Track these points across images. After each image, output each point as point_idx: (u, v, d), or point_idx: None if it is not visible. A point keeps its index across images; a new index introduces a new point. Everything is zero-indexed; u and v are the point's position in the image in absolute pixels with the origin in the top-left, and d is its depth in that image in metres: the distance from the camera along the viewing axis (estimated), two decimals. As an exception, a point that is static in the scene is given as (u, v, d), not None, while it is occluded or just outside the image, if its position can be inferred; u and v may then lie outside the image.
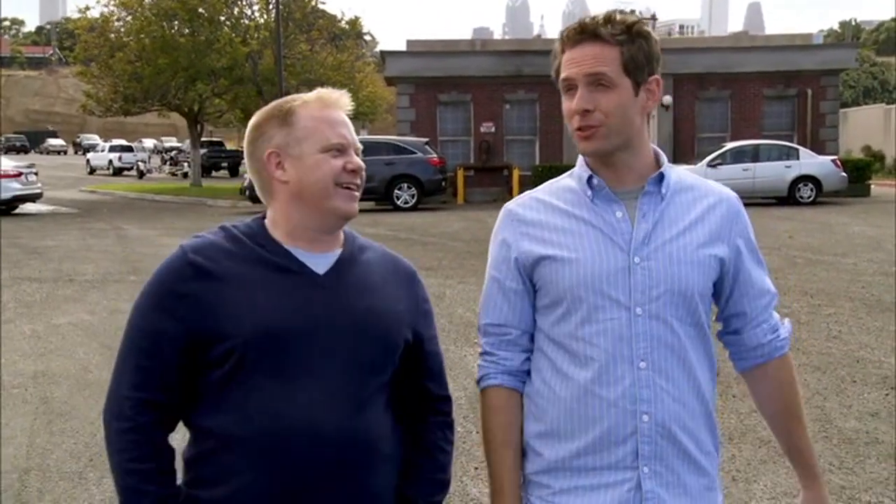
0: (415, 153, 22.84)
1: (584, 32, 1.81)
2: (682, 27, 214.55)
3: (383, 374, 1.85)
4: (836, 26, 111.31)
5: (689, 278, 1.81)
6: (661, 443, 1.80)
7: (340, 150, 1.82)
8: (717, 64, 27.92)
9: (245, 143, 1.92)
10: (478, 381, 1.97)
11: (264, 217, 1.90)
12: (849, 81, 58.23)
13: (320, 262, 1.83)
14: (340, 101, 1.87)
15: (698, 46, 30.39)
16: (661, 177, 1.86)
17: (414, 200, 22.63)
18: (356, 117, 52.89)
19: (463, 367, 6.84)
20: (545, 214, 1.89)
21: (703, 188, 1.91)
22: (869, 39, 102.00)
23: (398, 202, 22.52)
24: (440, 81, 27.20)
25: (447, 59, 27.52)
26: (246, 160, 1.91)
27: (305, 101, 1.85)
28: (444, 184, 23.40)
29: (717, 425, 1.91)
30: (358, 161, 1.84)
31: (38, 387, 6.64)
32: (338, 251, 1.87)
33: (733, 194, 1.95)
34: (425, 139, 24.35)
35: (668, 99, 27.10)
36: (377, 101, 48.59)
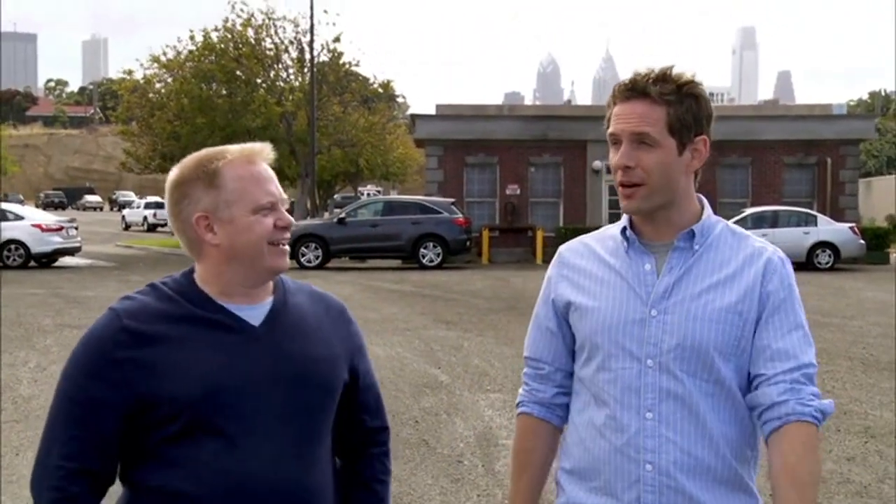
0: (441, 213, 23.51)
1: (633, 90, 1.82)
2: (712, 95, 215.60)
3: (325, 419, 1.87)
4: (865, 96, 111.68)
5: (704, 334, 1.79)
6: (666, 493, 1.80)
7: (271, 207, 1.80)
8: (739, 131, 28.51)
9: (167, 202, 1.86)
10: (517, 406, 2.05)
11: (192, 271, 1.87)
12: (872, 151, 58.60)
13: (254, 313, 1.83)
14: (263, 152, 1.84)
15: (720, 115, 30.94)
16: (692, 233, 1.85)
17: (439, 259, 23.22)
18: (387, 178, 53.39)
19: (475, 411, 7.36)
20: (586, 260, 1.94)
21: (744, 244, 1.88)
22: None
23: (424, 260, 23.12)
24: (468, 144, 28.01)
25: (475, 122, 28.37)
26: (169, 218, 1.87)
27: (229, 159, 1.80)
28: (468, 243, 24.02)
29: (750, 486, 1.86)
30: (287, 217, 1.83)
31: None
32: (269, 300, 1.86)
33: (777, 253, 1.89)
34: (452, 199, 25.05)
35: (690, 165, 27.68)
36: (407, 161, 49.62)
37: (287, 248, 1.86)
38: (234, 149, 1.83)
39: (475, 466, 5.80)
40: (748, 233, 1.94)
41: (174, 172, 1.85)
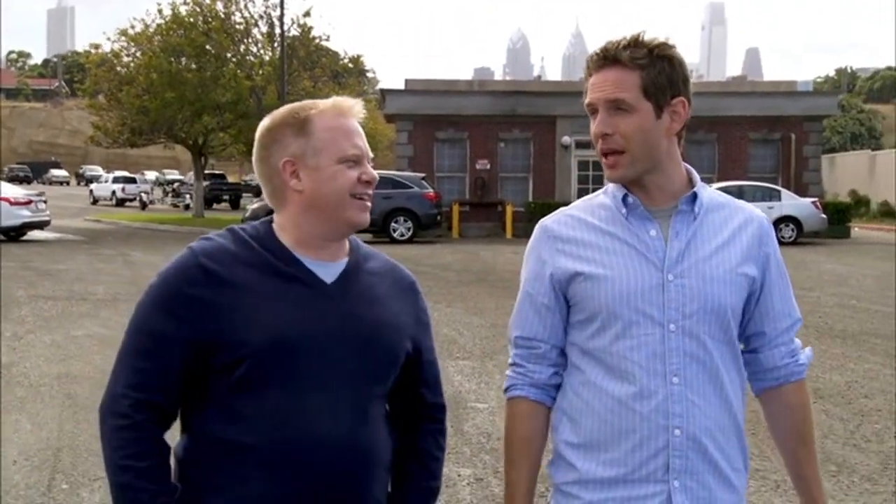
0: (412, 188, 23.72)
1: (605, 57, 1.82)
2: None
3: (386, 384, 1.88)
4: (832, 73, 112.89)
5: (723, 296, 1.83)
6: (692, 457, 1.81)
7: (356, 161, 1.82)
8: (705, 108, 28.89)
9: (256, 147, 1.88)
10: (505, 390, 1.99)
11: (271, 221, 1.88)
12: (836, 127, 59.54)
13: (328, 271, 1.83)
14: (354, 108, 1.86)
15: (688, 90, 31.41)
16: (695, 196, 1.87)
17: (410, 233, 23.46)
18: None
19: (444, 376, 7.51)
20: (580, 231, 1.91)
21: (734, 207, 1.93)
22: (864, 87, 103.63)
23: (395, 234, 23.36)
24: (438, 119, 28.18)
25: (445, 97, 28.54)
26: (256, 164, 1.89)
27: (321, 109, 1.83)
28: (439, 218, 24.27)
29: (746, 443, 1.91)
30: (372, 172, 1.85)
31: (62, 385, 7.42)
32: (344, 260, 1.87)
33: (763, 215, 1.95)
34: (422, 174, 25.27)
35: (657, 140, 28.10)
36: (378, 137, 49.62)
37: (369, 203, 1.86)
38: (327, 101, 1.86)
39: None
40: (728, 196, 1.98)
41: (266, 120, 1.88)
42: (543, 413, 1.95)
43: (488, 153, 28.38)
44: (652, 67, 1.80)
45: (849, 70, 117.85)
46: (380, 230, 23.47)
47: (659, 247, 1.85)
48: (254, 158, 1.89)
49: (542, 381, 1.95)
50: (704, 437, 1.82)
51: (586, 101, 1.86)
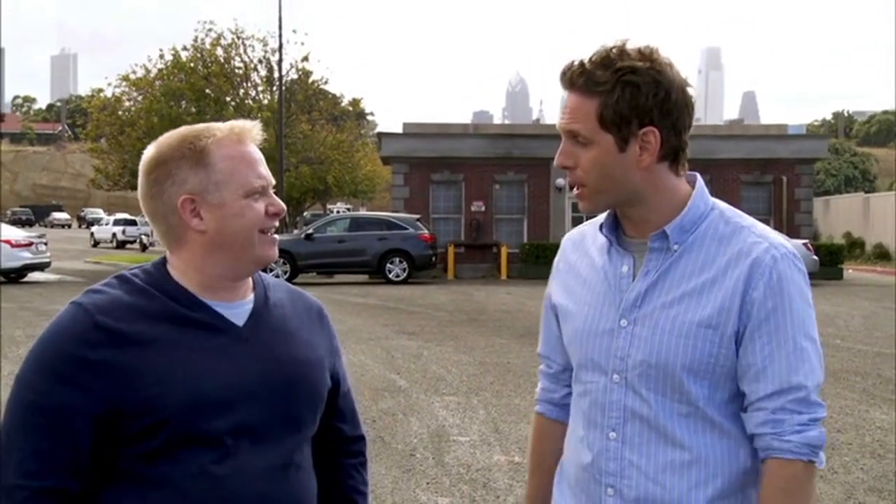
0: (407, 229, 23.98)
1: (562, 79, 1.65)
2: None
3: (312, 427, 1.75)
4: (829, 117, 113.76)
5: (671, 352, 1.59)
6: None
7: (262, 192, 1.65)
8: (698, 150, 29.25)
9: (144, 182, 1.66)
10: (535, 403, 1.97)
11: (164, 262, 1.69)
12: (830, 170, 60.08)
13: (237, 312, 1.67)
14: (253, 132, 1.68)
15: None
16: (664, 234, 1.64)
17: (405, 274, 23.66)
18: (356, 195, 53.30)
19: (430, 412, 7.82)
20: (578, 254, 1.80)
21: (735, 240, 1.63)
22: (861, 130, 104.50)
23: (390, 275, 23.55)
24: (434, 162, 28.54)
25: (441, 140, 28.93)
26: (144, 201, 1.67)
27: (218, 137, 1.64)
28: (434, 259, 24.50)
29: None
30: (279, 203, 1.69)
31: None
32: (251, 297, 1.71)
33: (774, 250, 1.60)
34: (417, 216, 25.55)
35: (650, 183, 28.49)
36: (376, 179, 50.07)
37: (276, 237, 1.71)
38: (222, 126, 1.67)
39: (426, 459, 6.27)
40: (749, 222, 1.66)
41: (153, 150, 1.66)
42: (559, 431, 1.87)
43: (483, 195, 28.70)
44: (611, 95, 1.58)
45: (845, 114, 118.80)
46: (375, 271, 23.71)
47: (626, 286, 1.67)
48: (140, 194, 1.68)
49: (557, 400, 1.89)
50: (646, 501, 1.62)
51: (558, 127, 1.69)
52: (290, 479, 1.65)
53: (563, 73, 1.64)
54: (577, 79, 1.61)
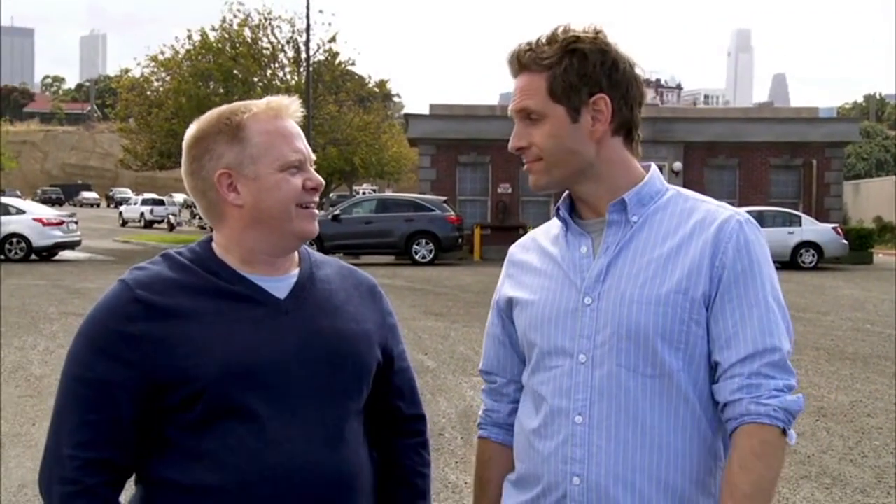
0: (433, 210, 24.02)
1: (512, 63, 1.66)
2: (707, 97, 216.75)
3: (358, 400, 1.72)
4: (860, 99, 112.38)
5: (643, 319, 1.55)
6: None
7: (299, 166, 1.65)
8: (727, 133, 29.10)
9: (185, 159, 1.69)
10: (477, 427, 1.89)
11: (210, 240, 1.71)
12: (862, 154, 59.36)
13: (280, 286, 1.67)
14: (291, 108, 1.68)
15: (708, 116, 31.78)
16: (623, 202, 1.63)
17: (431, 255, 23.71)
18: (382, 176, 53.43)
19: (458, 392, 7.88)
20: (530, 254, 1.77)
21: (697, 209, 1.63)
22: (894, 114, 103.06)
23: (416, 257, 23.61)
24: (460, 143, 28.52)
25: (467, 122, 28.89)
26: (186, 178, 1.69)
27: (255, 112, 1.65)
28: (460, 240, 24.53)
29: (701, 491, 1.58)
30: (318, 177, 1.68)
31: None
32: (295, 272, 1.71)
33: (738, 215, 1.61)
34: (444, 197, 25.58)
35: (678, 165, 28.30)
36: (402, 160, 50.13)
37: (316, 211, 1.70)
38: (259, 102, 1.68)
39: (454, 438, 6.32)
40: (708, 198, 1.67)
41: (193, 127, 1.69)
42: (505, 456, 1.78)
43: (510, 177, 28.66)
44: (559, 66, 1.59)
45: (878, 97, 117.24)
46: (402, 252, 23.78)
47: (586, 265, 1.64)
48: (183, 171, 1.70)
49: (502, 420, 1.80)
50: (615, 487, 1.56)
51: (510, 111, 1.69)
52: (334, 453, 1.63)
53: (512, 57, 1.65)
54: (525, 57, 1.63)
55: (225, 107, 1.69)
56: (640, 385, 1.57)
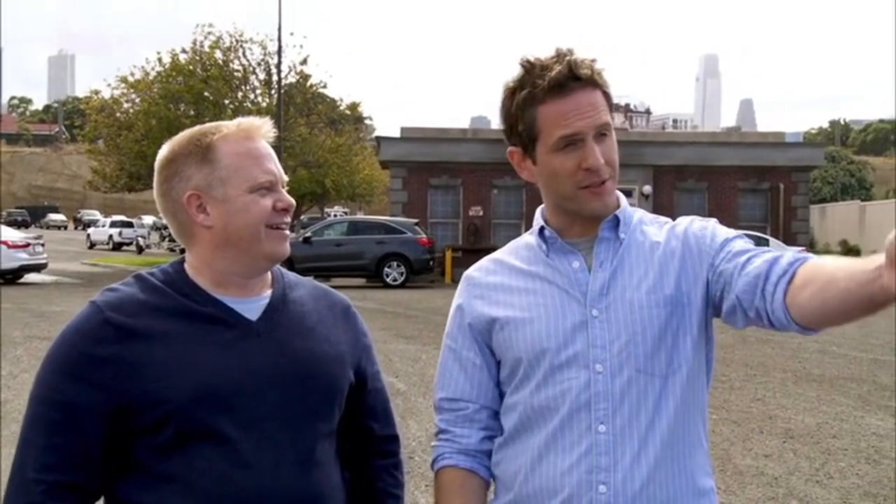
0: (405, 233, 24.01)
1: (569, 77, 1.62)
2: (675, 121, 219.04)
3: (330, 421, 1.72)
4: (826, 125, 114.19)
5: (658, 322, 1.63)
6: None
7: (269, 188, 1.65)
8: (696, 157, 29.43)
9: (156, 181, 1.69)
10: (432, 463, 1.81)
11: (182, 261, 1.72)
12: (827, 178, 60.27)
13: (252, 307, 1.67)
14: (263, 129, 1.68)
15: (677, 140, 32.12)
16: (617, 220, 1.70)
17: (403, 278, 23.68)
18: (354, 199, 53.46)
19: (428, 415, 7.85)
20: (501, 276, 1.76)
21: (663, 222, 1.77)
22: (858, 139, 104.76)
23: (387, 279, 23.57)
24: (432, 166, 28.59)
25: (439, 145, 28.97)
26: (157, 199, 1.70)
27: (225, 133, 1.66)
28: (431, 263, 24.52)
29: (704, 482, 1.68)
30: (288, 198, 1.68)
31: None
32: (268, 293, 1.71)
33: (693, 217, 1.75)
34: (415, 220, 25.58)
35: (647, 189, 28.55)
36: (374, 182, 50.12)
37: (287, 232, 1.70)
38: (230, 123, 1.68)
39: (424, 461, 6.28)
40: (657, 216, 1.80)
41: (165, 148, 1.70)
42: (477, 483, 1.75)
43: (481, 200, 28.75)
44: (607, 84, 1.69)
45: (842, 122, 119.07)
46: (373, 275, 23.73)
47: (583, 280, 1.68)
48: (154, 192, 1.71)
49: (472, 448, 1.75)
50: (646, 490, 1.61)
51: (566, 132, 1.62)
52: (304, 475, 1.63)
53: (572, 69, 1.62)
54: (585, 72, 1.63)
55: (196, 128, 1.69)
56: (660, 386, 1.63)
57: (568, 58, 1.63)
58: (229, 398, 1.58)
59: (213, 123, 1.70)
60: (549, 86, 1.61)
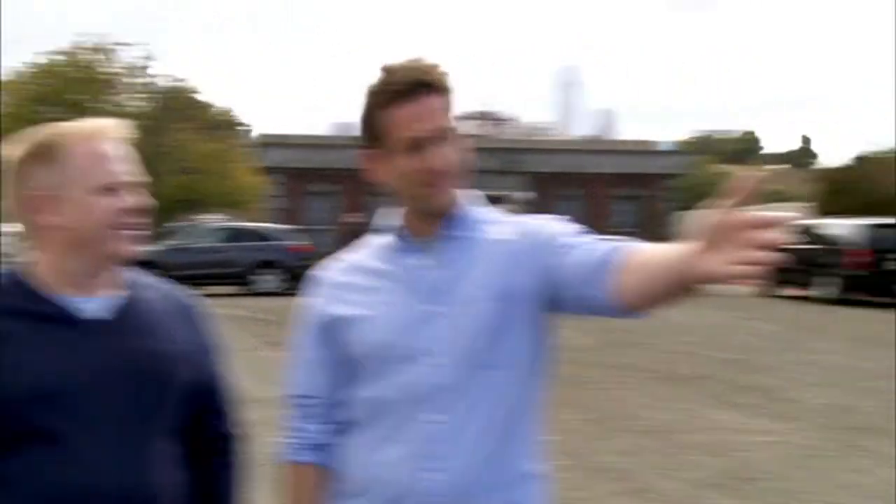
0: (281, 240, 23.70)
1: (420, 84, 1.69)
2: (539, 130, 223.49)
3: (169, 420, 1.72)
4: (686, 136, 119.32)
5: (495, 316, 1.71)
6: (459, 501, 1.70)
7: (115, 188, 1.64)
8: (573, 164, 30.23)
9: (2, 182, 1.68)
10: (280, 459, 1.86)
11: (26, 262, 1.71)
12: (691, 186, 62.95)
13: (93, 307, 1.67)
14: (108, 129, 1.67)
15: (556, 148, 32.93)
16: (461, 218, 1.78)
17: (285, 285, 23.34)
18: (231, 205, 52.92)
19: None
20: (350, 275, 1.83)
21: (511, 222, 1.82)
22: (721, 149, 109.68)
23: (260, 287, 23.15)
24: (310, 173, 28.42)
25: (318, 151, 28.88)
26: (2, 201, 1.70)
27: (70, 133, 1.65)
28: (307, 271, 24.26)
29: (536, 467, 1.80)
30: (135, 199, 1.67)
31: None
32: (115, 293, 1.71)
33: (543, 217, 1.83)
34: (292, 226, 25.29)
35: (527, 195, 29.14)
36: (251, 189, 49.34)
37: (136, 233, 1.68)
38: (76, 124, 1.68)
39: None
40: (521, 218, 1.86)
41: (8, 149, 1.67)
42: (323, 476, 1.82)
43: (360, 206, 28.72)
44: (451, 91, 1.76)
45: (707, 134, 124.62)
46: (247, 282, 23.29)
47: (427, 277, 1.75)
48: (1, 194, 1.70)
49: (323, 441, 1.82)
50: (473, 478, 1.70)
51: (409, 133, 1.69)
52: (137, 474, 1.64)
53: (424, 77, 1.70)
54: (435, 78, 1.71)
55: (41, 128, 1.68)
56: (496, 378, 1.71)
57: (416, 63, 1.71)
58: (61, 397, 1.58)
59: (60, 124, 1.70)
60: (395, 90, 1.69)
